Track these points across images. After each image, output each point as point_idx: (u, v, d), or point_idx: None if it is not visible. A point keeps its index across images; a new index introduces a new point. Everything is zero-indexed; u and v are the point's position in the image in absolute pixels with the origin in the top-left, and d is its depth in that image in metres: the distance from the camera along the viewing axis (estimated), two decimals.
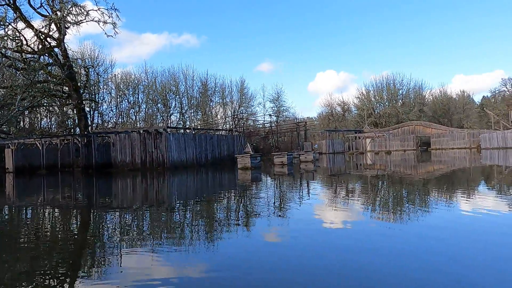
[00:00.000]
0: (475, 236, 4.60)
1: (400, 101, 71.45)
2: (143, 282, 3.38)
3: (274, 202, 8.15)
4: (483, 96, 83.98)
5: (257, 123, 58.52)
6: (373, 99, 73.55)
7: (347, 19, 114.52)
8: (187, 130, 30.20)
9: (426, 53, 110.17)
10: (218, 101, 60.72)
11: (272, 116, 56.42)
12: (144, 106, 56.51)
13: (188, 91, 57.88)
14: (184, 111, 57.85)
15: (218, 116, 58.38)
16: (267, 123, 52.74)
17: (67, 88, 33.32)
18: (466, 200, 7.52)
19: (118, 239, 5.27)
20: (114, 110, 53.53)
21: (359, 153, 53.75)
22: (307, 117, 77.44)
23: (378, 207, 7.32)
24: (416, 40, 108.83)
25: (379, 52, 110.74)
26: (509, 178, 12.32)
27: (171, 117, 57.68)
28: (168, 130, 26.60)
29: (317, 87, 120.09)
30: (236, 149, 27.78)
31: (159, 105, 56.94)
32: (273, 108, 64.77)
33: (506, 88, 61.72)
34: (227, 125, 49.40)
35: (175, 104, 57.68)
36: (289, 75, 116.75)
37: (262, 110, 64.22)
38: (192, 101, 58.34)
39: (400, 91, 71.86)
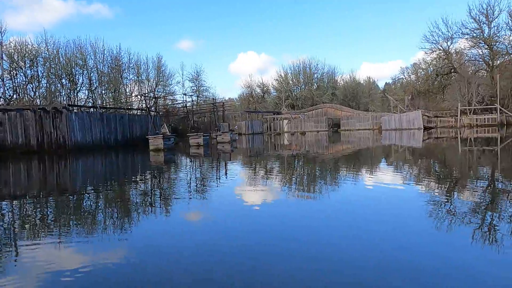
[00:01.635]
0: (381, 208, 4.77)
1: (315, 84, 75.42)
2: (47, 275, 2.94)
3: (189, 185, 7.60)
4: (386, 83, 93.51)
5: (176, 102, 56.24)
6: (290, 82, 76.29)
7: (269, 0, 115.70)
8: (94, 109, 27.33)
9: (339, 41, 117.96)
10: (133, 78, 56.57)
11: (189, 95, 54.50)
12: (45, 81, 49.79)
13: (98, 66, 52.59)
14: (93, 88, 52.58)
15: (133, 95, 54.46)
16: (184, 102, 50.88)
17: None
18: (370, 176, 7.99)
19: (12, 230, 4.50)
20: (7, 85, 46.10)
21: (276, 134, 55.54)
22: (229, 98, 77.29)
23: (294, 185, 7.30)
24: (331, 27, 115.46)
25: (298, 36, 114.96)
26: (403, 155, 13.63)
27: (79, 94, 51.98)
28: (71, 108, 23.73)
29: (238, 68, 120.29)
30: (154, 130, 26.08)
31: (63, 80, 50.71)
32: (193, 88, 62.98)
33: (404, 76, 69.35)
34: (143, 104, 46.38)
35: (83, 80, 52.02)
36: (210, 54, 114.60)
37: (181, 90, 61.89)
38: (103, 77, 53.26)
39: (315, 75, 75.83)
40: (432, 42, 52.88)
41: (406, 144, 20.09)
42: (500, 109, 42.78)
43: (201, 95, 62.14)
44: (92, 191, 7.59)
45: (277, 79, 77.41)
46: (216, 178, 8.58)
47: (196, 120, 55.09)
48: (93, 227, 4.54)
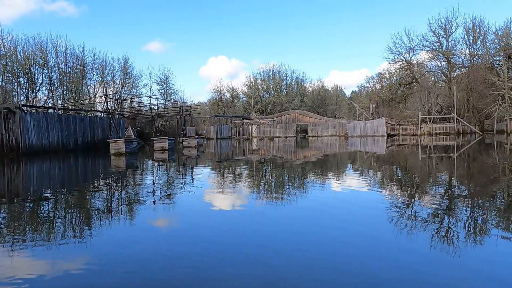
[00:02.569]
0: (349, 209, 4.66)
1: (284, 90, 76.25)
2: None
3: (152, 190, 7.18)
4: (352, 91, 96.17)
5: (143, 105, 54.67)
6: (260, 87, 76.62)
7: (240, 4, 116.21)
8: (51, 110, 25.77)
9: (308, 49, 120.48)
10: (97, 79, 54.41)
11: (155, 98, 53.09)
12: (0, 80, 46.68)
13: (60, 66, 50.04)
14: (54, 88, 49.93)
15: (97, 96, 52.31)
16: (148, 105, 49.40)
17: None
18: (336, 181, 7.98)
19: None
20: None
21: (245, 139, 55.43)
22: (198, 102, 76.33)
23: (261, 192, 7.08)
24: (301, 36, 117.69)
25: (269, 43, 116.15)
26: (369, 162, 13.87)
27: (38, 94, 49.18)
28: (26, 109, 22.27)
29: (209, 72, 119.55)
30: (116, 133, 25.00)
31: (21, 79, 47.78)
32: (160, 91, 61.59)
33: (369, 84, 71.55)
34: (108, 106, 44.59)
35: (43, 79, 49.26)
36: (181, 57, 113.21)
37: (148, 92, 60.20)
38: (64, 77, 50.74)
39: (285, 81, 76.71)
40: (396, 53, 55.12)
41: (371, 150, 20.56)
42: (457, 119, 45.21)
43: (169, 99, 60.90)
44: (49, 197, 6.98)
45: (246, 84, 77.57)
46: (176, 186, 8.20)
47: (164, 124, 53.84)
48: (50, 234, 4.14)
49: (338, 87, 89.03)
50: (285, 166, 12.74)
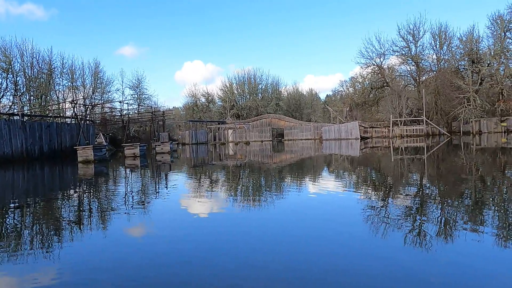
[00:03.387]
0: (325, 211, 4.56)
1: (260, 95, 76.48)
2: None
3: (124, 198, 6.81)
4: (327, 95, 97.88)
5: (115, 111, 53.15)
6: (236, 92, 76.48)
7: (216, 10, 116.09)
8: (17, 117, 24.44)
9: (284, 54, 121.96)
10: (66, 84, 52.48)
11: (127, 103, 51.63)
12: None
13: (26, 70, 47.85)
14: (20, 93, 47.65)
15: (67, 102, 50.40)
16: (121, 110, 48.03)
17: None
18: (313, 184, 7.94)
19: None
20: None
21: (221, 143, 55.01)
22: (173, 107, 75.25)
23: (238, 195, 6.86)
24: (277, 41, 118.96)
25: (245, 48, 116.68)
26: (343, 164, 13.97)
27: (2, 100, 46.84)
28: None
29: (184, 77, 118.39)
30: (84, 139, 23.99)
31: None
32: (133, 96, 60.21)
33: (343, 88, 73.00)
34: (77, 112, 42.93)
35: (7, 84, 46.92)
36: (155, 62, 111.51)
37: (120, 97, 58.64)
38: (31, 83, 48.56)
39: (260, 86, 76.96)
40: (367, 58, 56.59)
41: (345, 153, 20.80)
42: (426, 121, 46.81)
43: (142, 104, 59.61)
44: (12, 209, 6.47)
45: (222, 89, 77.27)
46: (142, 194, 7.86)
47: (137, 130, 52.64)
48: (17, 246, 3.76)
49: (313, 91, 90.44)
50: (262, 170, 12.60)
